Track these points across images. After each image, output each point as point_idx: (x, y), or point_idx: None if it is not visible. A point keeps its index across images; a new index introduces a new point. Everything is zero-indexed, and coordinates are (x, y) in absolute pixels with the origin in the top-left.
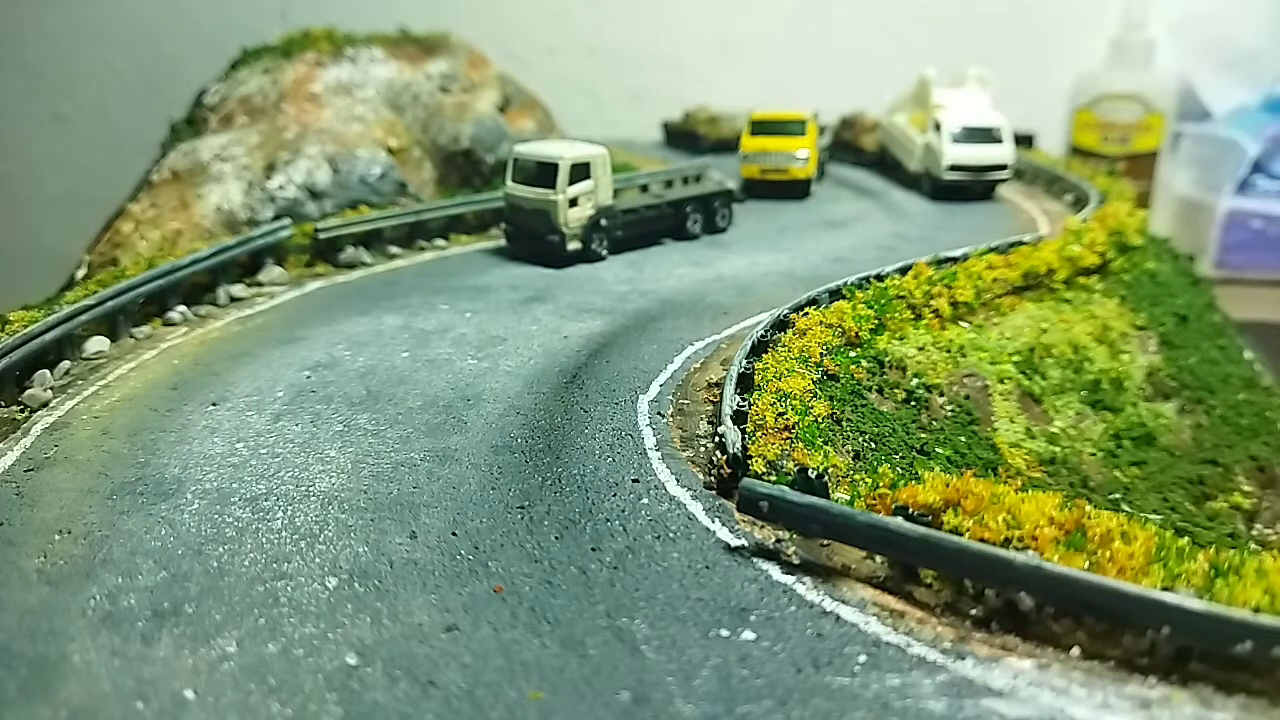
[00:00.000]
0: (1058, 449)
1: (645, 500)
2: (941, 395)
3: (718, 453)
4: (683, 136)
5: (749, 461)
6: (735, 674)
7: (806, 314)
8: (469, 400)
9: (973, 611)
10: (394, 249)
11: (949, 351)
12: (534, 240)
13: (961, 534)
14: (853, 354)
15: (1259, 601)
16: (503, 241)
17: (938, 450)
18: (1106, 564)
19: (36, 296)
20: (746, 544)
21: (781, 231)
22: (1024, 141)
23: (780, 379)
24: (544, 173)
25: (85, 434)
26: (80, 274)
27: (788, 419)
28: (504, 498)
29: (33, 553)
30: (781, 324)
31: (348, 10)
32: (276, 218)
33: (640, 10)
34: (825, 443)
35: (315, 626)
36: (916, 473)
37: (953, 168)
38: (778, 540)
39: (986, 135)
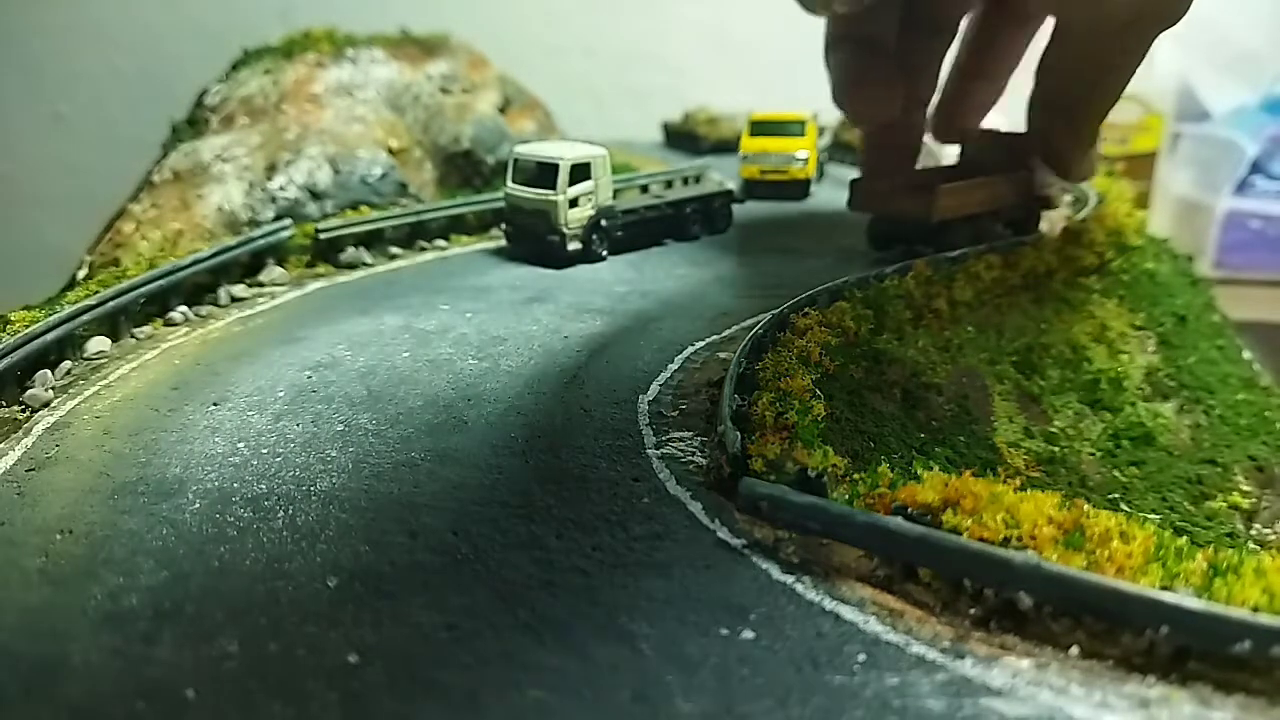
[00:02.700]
0: (1056, 448)
1: (645, 500)
2: (940, 395)
3: (717, 452)
4: (683, 137)
5: (749, 461)
6: (735, 673)
7: (806, 314)
8: (470, 400)
9: (971, 611)
10: (395, 249)
11: (948, 351)
12: (534, 241)
13: (960, 533)
14: (852, 354)
15: (1257, 601)
16: (503, 242)
17: (936, 450)
18: (1105, 563)
19: (37, 296)
20: (746, 543)
21: (781, 232)
22: None
23: (780, 379)
24: (544, 173)
25: (86, 434)
26: (81, 274)
27: (787, 419)
28: (504, 497)
29: (34, 552)
30: (781, 324)
31: (348, 11)
32: (277, 218)
33: (641, 11)
34: (824, 442)
35: (316, 626)
36: (915, 472)
37: None
38: (777, 539)
39: None
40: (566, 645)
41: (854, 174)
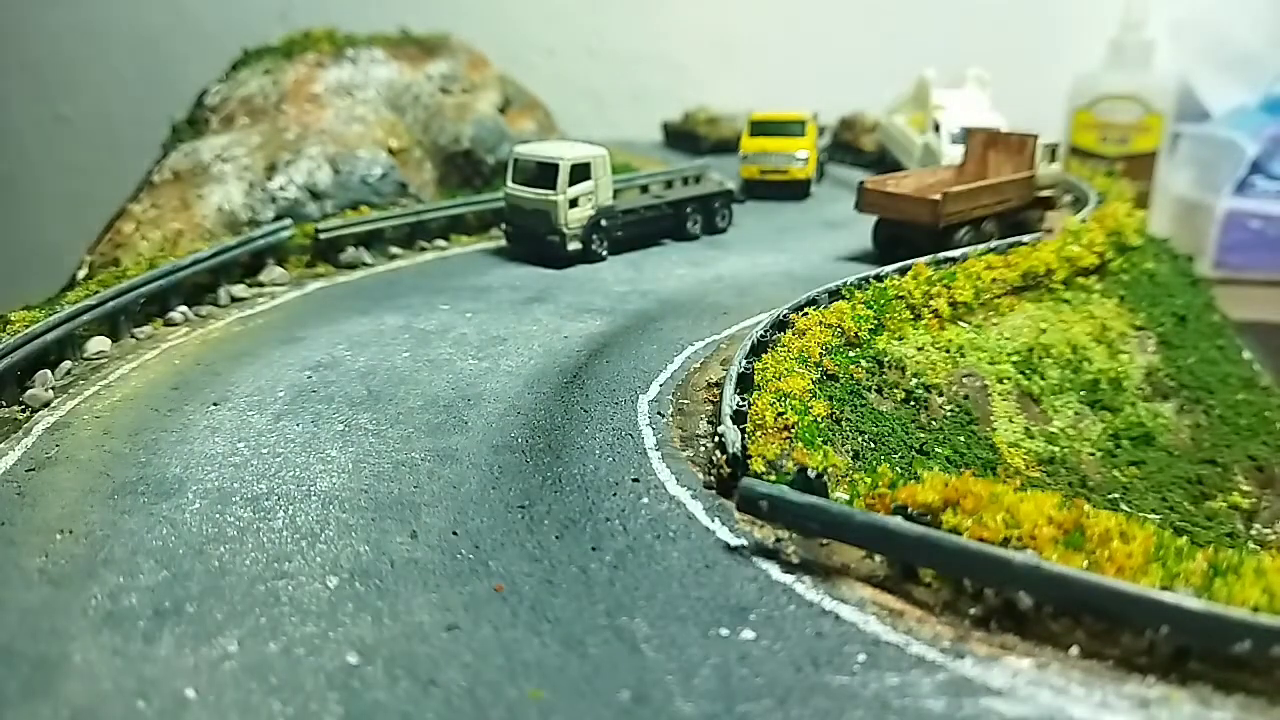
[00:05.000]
0: (1056, 449)
1: (645, 500)
2: (940, 395)
3: (717, 452)
4: (683, 137)
5: (749, 461)
6: (735, 673)
7: (806, 314)
8: (469, 400)
9: (972, 610)
10: (395, 249)
11: (948, 351)
12: (534, 240)
13: (960, 533)
14: (852, 354)
15: (1257, 601)
16: (503, 242)
17: (937, 450)
18: (1105, 563)
19: (38, 296)
20: (746, 543)
21: (781, 232)
22: None
23: (780, 379)
24: (544, 173)
25: (87, 434)
26: (81, 274)
27: (787, 419)
28: (504, 497)
29: (34, 552)
30: (781, 324)
31: (348, 11)
32: (277, 218)
33: (641, 11)
34: (825, 442)
35: (316, 625)
36: (915, 472)
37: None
38: (777, 540)
39: None
40: (567, 644)
41: (853, 174)
